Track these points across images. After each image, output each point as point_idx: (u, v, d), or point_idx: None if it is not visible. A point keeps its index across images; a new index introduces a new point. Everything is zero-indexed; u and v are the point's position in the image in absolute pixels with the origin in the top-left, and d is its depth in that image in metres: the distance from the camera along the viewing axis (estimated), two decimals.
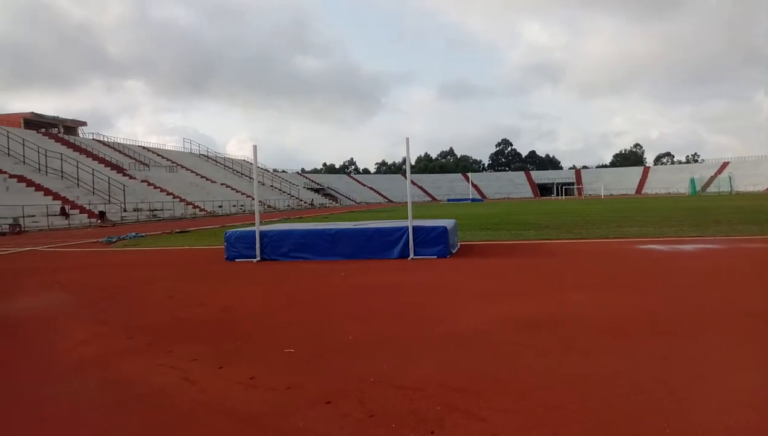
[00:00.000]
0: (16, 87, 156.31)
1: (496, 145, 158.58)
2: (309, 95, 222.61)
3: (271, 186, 77.61)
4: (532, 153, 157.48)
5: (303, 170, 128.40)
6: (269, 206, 62.68)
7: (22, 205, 32.27)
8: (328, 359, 4.66)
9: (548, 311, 6.21)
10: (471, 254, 11.97)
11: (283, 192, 78.22)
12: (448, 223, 11.96)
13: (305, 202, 77.52)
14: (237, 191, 64.94)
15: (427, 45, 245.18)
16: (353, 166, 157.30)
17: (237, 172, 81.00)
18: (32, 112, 63.29)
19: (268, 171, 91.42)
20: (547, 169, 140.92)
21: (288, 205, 68.97)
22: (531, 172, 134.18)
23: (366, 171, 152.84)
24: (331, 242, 11.61)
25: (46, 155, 44.53)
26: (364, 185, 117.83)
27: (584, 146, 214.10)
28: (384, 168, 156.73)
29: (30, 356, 5.14)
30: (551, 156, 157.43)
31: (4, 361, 5.01)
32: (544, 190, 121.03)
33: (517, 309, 6.38)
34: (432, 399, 3.61)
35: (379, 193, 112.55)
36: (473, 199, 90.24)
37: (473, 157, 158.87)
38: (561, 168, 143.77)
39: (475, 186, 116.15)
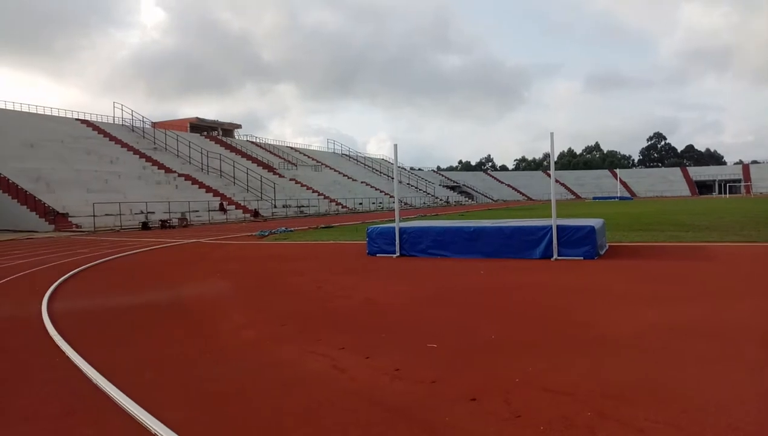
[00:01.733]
0: (185, 94, 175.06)
1: (648, 140, 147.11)
2: (448, 92, 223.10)
3: (408, 184, 78.96)
4: (690, 147, 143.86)
5: (439, 168, 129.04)
6: (406, 204, 63.85)
7: (188, 201, 36.05)
8: (471, 357, 4.63)
9: (708, 319, 5.65)
10: (621, 255, 11.23)
11: (420, 190, 79.24)
12: (595, 222, 11.33)
13: (441, 200, 77.83)
14: (376, 189, 67.00)
15: (573, 36, 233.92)
16: (490, 163, 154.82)
17: (376, 170, 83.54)
18: (196, 117, 70.29)
19: (405, 169, 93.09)
20: (708, 164, 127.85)
21: (424, 203, 69.74)
22: (688, 168, 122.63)
23: (504, 168, 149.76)
24: (469, 240, 11.53)
25: (207, 156, 49.27)
26: (502, 182, 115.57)
27: (756, 139, 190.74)
28: (523, 164, 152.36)
29: (200, 337, 5.71)
30: (712, 150, 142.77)
31: (180, 340, 5.63)
32: (703, 187, 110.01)
33: (673, 315, 5.87)
34: (582, 405, 3.44)
35: (518, 191, 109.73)
36: (621, 198, 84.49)
37: (621, 153, 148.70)
38: (724, 163, 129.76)
39: (623, 183, 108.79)
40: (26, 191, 30.24)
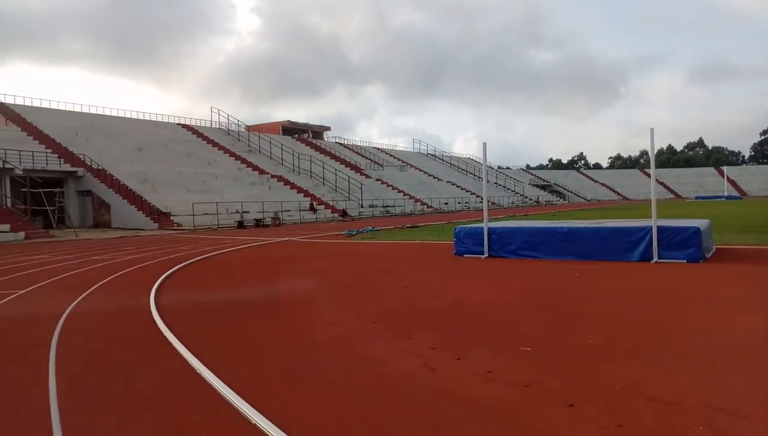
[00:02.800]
0: (278, 98, 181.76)
1: (761, 134, 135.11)
2: (539, 89, 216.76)
3: (495, 183, 77.62)
4: None
5: (528, 167, 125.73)
6: (493, 203, 62.77)
7: (280, 201, 37.41)
8: (567, 361, 4.47)
9: None
10: (730, 259, 10.43)
11: (508, 189, 77.64)
12: (701, 223, 10.59)
13: (530, 200, 75.84)
14: (461, 188, 66.40)
15: (676, 25, 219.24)
16: (583, 161, 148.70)
17: (462, 170, 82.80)
18: (288, 120, 72.80)
19: (493, 168, 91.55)
20: None
21: (512, 203, 68.25)
22: None
23: (597, 166, 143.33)
24: (562, 241, 11.14)
25: (298, 158, 50.91)
26: (595, 181, 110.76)
27: None
28: (618, 162, 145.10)
29: (295, 332, 5.90)
30: None
31: (277, 335, 5.84)
32: None
33: None
34: (692, 417, 3.22)
35: (612, 190, 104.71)
36: (729, 197, 78.17)
37: (729, 149, 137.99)
38: None
39: (731, 181, 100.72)
40: (134, 192, 32.60)
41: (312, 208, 39.80)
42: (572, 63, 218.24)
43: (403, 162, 72.30)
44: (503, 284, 8.89)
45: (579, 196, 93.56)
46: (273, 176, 45.66)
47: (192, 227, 29.97)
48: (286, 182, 45.09)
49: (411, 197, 52.99)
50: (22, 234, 24.21)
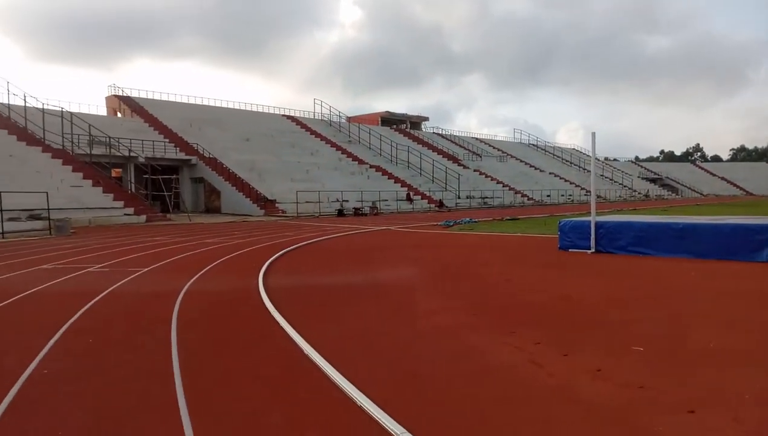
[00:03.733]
0: (378, 89, 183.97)
1: None
2: (652, 77, 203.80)
3: (602, 175, 73.94)
4: None
5: (637, 158, 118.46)
6: (599, 197, 59.86)
7: (378, 190, 37.94)
8: (685, 364, 4.17)
9: None
10: None
11: (615, 182, 73.78)
12: None
13: (639, 193, 71.58)
14: (565, 180, 63.93)
15: None
16: (699, 154, 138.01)
17: (566, 161, 79.67)
18: (387, 111, 73.49)
19: (599, 159, 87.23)
20: None
21: (619, 196, 64.75)
22: None
23: (716, 158, 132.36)
24: (677, 238, 10.40)
25: (396, 148, 51.30)
26: (713, 175, 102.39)
27: None
28: (742, 154, 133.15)
29: (397, 319, 5.96)
30: None
31: (380, 320, 5.93)
32: None
33: None
34: None
35: (734, 184, 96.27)
36: None
37: None
38: None
39: None
40: (242, 180, 34.36)
41: (409, 199, 40.02)
42: (691, 47, 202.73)
43: (502, 152, 70.74)
44: (612, 280, 8.45)
45: (694, 190, 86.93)
46: (371, 166, 46.36)
47: (295, 214, 31.14)
48: (384, 172, 45.62)
49: (510, 189, 51.80)
50: (143, 217, 26.31)
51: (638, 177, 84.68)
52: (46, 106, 31.68)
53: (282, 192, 33.83)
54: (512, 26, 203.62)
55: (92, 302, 6.82)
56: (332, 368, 4.05)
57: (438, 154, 57.70)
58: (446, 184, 46.60)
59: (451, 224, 21.89)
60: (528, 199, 50.62)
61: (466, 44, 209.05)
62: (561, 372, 4.01)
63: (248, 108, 56.01)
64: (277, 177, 37.05)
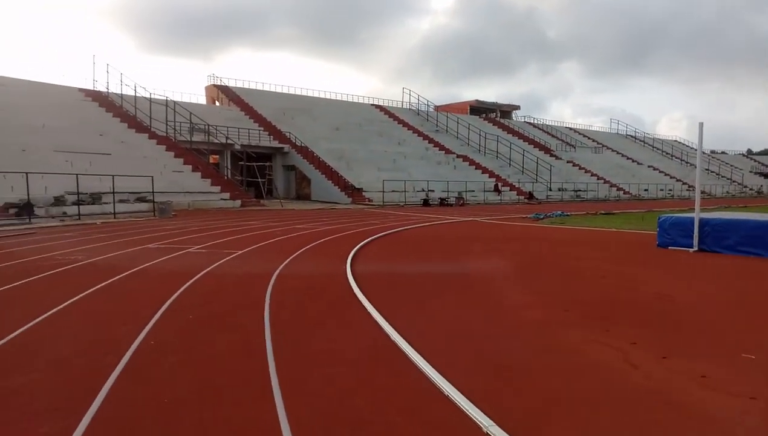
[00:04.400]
0: (468, 77, 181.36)
1: None
2: None
3: (708, 170, 69.02)
4: None
5: (749, 152, 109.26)
6: (704, 192, 55.97)
7: (465, 181, 37.52)
8: None
9: None
10: None
11: (722, 176, 68.58)
12: None
13: (751, 189, 66.07)
14: (664, 174, 60.24)
15: None
16: None
17: (666, 153, 74.96)
18: (476, 100, 72.32)
19: (705, 152, 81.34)
20: None
21: (727, 192, 60.12)
22: None
23: None
24: None
25: (485, 138, 50.42)
26: None
27: None
28: None
29: (485, 311, 5.87)
30: None
31: (467, 311, 5.87)
32: None
33: None
34: None
35: None
36: None
37: None
38: None
39: None
40: (332, 168, 35.14)
41: (497, 190, 39.27)
42: None
43: (598, 143, 67.67)
44: (718, 281, 7.88)
45: None
46: (459, 156, 45.91)
47: (381, 202, 31.46)
48: (472, 162, 45.03)
49: (605, 182, 49.54)
50: (238, 202, 27.58)
51: (750, 172, 78.14)
52: (153, 96, 33.94)
53: (369, 181, 34.27)
54: (613, 9, 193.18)
55: (192, 280, 7.23)
56: (418, 355, 4.06)
57: (529, 144, 56.15)
58: (537, 175, 45.29)
59: (542, 216, 21.26)
60: (624, 193, 48.21)
61: (561, 30, 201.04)
62: (659, 375, 3.78)
63: (339, 97, 57.07)
64: (364, 166, 37.56)
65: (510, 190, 40.41)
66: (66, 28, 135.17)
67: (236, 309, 5.82)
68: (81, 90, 36.01)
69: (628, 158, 64.06)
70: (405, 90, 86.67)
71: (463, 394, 3.31)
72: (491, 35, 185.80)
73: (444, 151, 46.84)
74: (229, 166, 34.95)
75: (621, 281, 7.66)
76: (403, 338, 4.52)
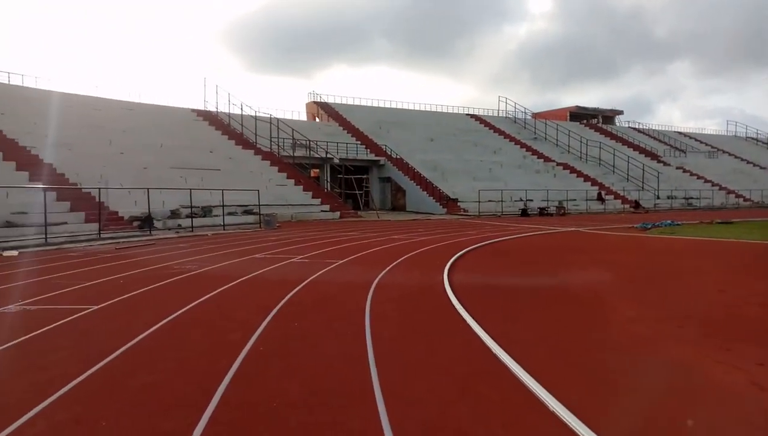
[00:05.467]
0: (567, 82, 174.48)
1: None
2: None
3: None
4: None
5: None
6: None
7: (566, 189, 36.22)
8: None
9: None
10: None
11: None
12: None
13: None
14: None
15: None
16: None
17: None
18: (576, 106, 69.70)
19: None
20: None
21: None
22: None
23: None
24: None
25: (586, 144, 48.45)
26: None
27: None
28: None
29: (590, 324, 5.64)
30: None
31: (571, 324, 5.67)
32: None
33: None
34: None
35: None
36: None
37: None
38: None
39: None
40: (426, 179, 35.22)
41: (600, 198, 37.56)
42: None
43: (712, 147, 62.87)
44: None
45: None
46: (558, 164, 44.43)
47: (477, 213, 31.10)
48: (572, 170, 43.40)
49: (721, 188, 45.87)
50: (337, 213, 28.35)
51: None
52: (258, 114, 35.84)
53: (464, 191, 34.02)
54: (729, 4, 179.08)
55: (296, 289, 7.53)
56: (520, 368, 3.98)
57: (634, 150, 53.25)
58: (643, 182, 42.81)
59: (649, 226, 20.06)
60: (744, 200, 44.35)
61: (671, 27, 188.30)
62: None
63: (433, 108, 57.25)
64: (459, 176, 37.34)
65: (614, 198, 38.49)
66: (183, 53, 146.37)
67: (338, 317, 5.98)
68: (194, 110, 38.71)
69: (748, 162, 58.91)
70: (501, 98, 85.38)
71: (568, 409, 3.20)
72: (592, 38, 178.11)
73: (543, 160, 45.54)
74: (329, 179, 36.10)
75: (743, 294, 7.06)
76: (504, 350, 4.45)
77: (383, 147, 39.59)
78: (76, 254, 12.34)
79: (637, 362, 4.33)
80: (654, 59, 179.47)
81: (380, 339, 4.94)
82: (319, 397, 3.59)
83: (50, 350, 4.67)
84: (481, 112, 58.25)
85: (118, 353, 4.53)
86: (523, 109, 59.69)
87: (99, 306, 6.44)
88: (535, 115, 61.15)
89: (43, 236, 14.61)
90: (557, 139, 51.32)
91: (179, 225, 20.37)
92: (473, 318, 5.60)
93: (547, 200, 33.89)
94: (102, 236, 16.34)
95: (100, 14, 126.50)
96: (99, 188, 18.50)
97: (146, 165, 24.76)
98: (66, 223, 16.98)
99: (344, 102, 51.32)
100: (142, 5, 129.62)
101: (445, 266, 9.59)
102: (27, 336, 5.10)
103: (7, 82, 32.78)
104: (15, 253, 12.32)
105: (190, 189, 21.24)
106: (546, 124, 54.54)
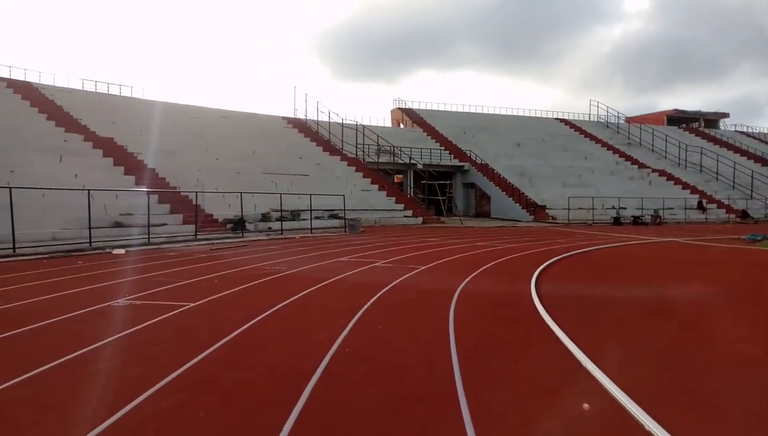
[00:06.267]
0: (665, 85, 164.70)
1: None
2: None
3: None
4: None
5: None
6: None
7: (662, 197, 34.22)
8: None
9: None
10: None
11: None
12: None
13: None
14: None
15: None
16: None
17: None
18: (674, 109, 65.77)
19: None
20: None
21: None
22: None
23: None
24: None
25: (685, 149, 45.59)
26: None
27: None
28: None
29: (691, 342, 5.30)
30: None
31: (669, 341, 5.35)
32: None
33: None
34: None
35: None
36: None
37: None
38: None
39: None
40: (512, 185, 34.52)
41: (701, 207, 35.20)
42: None
43: None
44: None
45: None
46: (654, 170, 42.09)
47: (566, 220, 30.08)
48: (670, 177, 40.97)
49: None
50: (420, 219, 28.38)
51: None
52: (344, 121, 36.65)
53: (552, 198, 33.02)
54: None
55: (380, 293, 7.60)
56: (615, 385, 3.79)
57: (741, 155, 49.48)
58: (752, 190, 39.68)
59: (759, 238, 18.54)
60: None
61: None
62: None
63: (520, 113, 56.11)
64: (547, 182, 36.29)
65: (717, 207, 35.94)
66: (275, 63, 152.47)
67: (421, 323, 5.97)
68: (284, 118, 40.16)
69: None
70: (592, 102, 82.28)
71: (667, 431, 3.01)
72: (695, 37, 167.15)
73: (637, 166, 43.32)
74: (412, 185, 36.25)
75: None
76: (597, 365, 4.25)
77: (468, 152, 39.24)
78: (175, 253, 13.13)
79: (743, 384, 4.00)
80: (766, 57, 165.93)
81: (464, 347, 4.88)
82: (404, 402, 3.60)
83: (153, 342, 4.99)
84: (571, 117, 56.37)
85: (212, 348, 4.76)
86: (615, 113, 57.21)
87: (195, 303, 6.80)
88: (629, 120, 58.30)
89: (146, 236, 15.66)
90: (653, 145, 48.67)
91: (269, 228, 21.17)
92: (562, 330, 5.40)
93: (642, 209, 32.19)
94: (198, 237, 17.28)
95: (200, 28, 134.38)
96: (196, 192, 19.64)
97: (239, 170, 25.95)
98: (166, 224, 18.12)
99: (429, 108, 51.38)
100: (239, 19, 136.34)
101: (533, 275, 9.34)
102: (134, 328, 5.48)
103: (118, 94, 35.54)
104: (122, 251, 13.29)
105: (280, 193, 22.03)
106: (641, 128, 51.85)
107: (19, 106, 26.38)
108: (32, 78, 31.87)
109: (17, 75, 31.32)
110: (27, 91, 28.81)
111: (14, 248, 12.21)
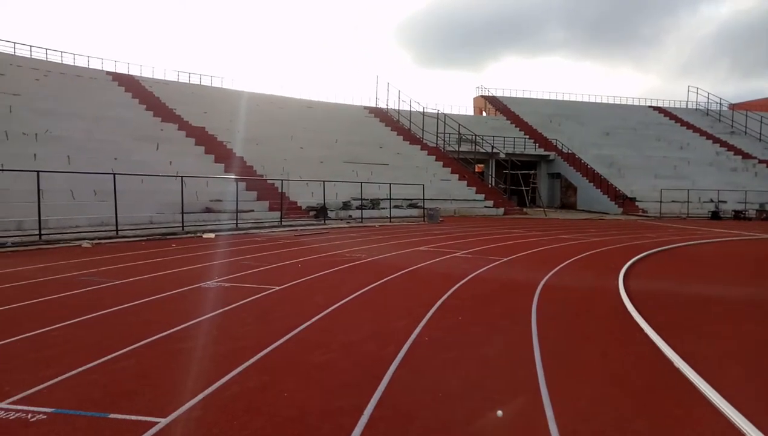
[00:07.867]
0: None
1: None
2: None
3: None
4: None
5: None
6: None
7: None
8: None
9: None
10: None
11: None
12: None
13: None
14: None
15: None
16: None
17: None
18: None
19: None
20: None
21: None
22: None
23: None
24: None
25: None
26: None
27: None
28: None
29: None
30: None
31: (758, 341, 4.96)
32: None
33: None
34: None
35: None
36: None
37: None
38: None
39: None
40: (600, 176, 33.08)
41: None
42: None
43: None
44: None
45: None
46: (761, 161, 38.93)
47: (658, 214, 28.52)
48: None
49: None
50: (501, 210, 27.85)
51: None
52: (426, 110, 36.50)
53: (643, 190, 31.40)
54: None
55: (459, 283, 7.54)
56: (709, 386, 3.57)
57: None
58: None
59: None
60: None
61: None
62: None
63: (610, 100, 53.50)
64: (638, 173, 34.51)
65: None
66: (359, 51, 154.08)
67: (502, 315, 5.88)
68: (366, 108, 40.57)
69: None
70: (691, 88, 76.91)
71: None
72: None
73: (741, 156, 40.24)
74: (493, 175, 35.60)
75: None
76: (689, 365, 4.02)
77: (553, 141, 37.98)
78: (261, 238, 13.65)
79: None
80: None
81: (547, 341, 4.75)
82: (483, 392, 3.56)
83: (241, 324, 5.22)
84: (665, 104, 53.17)
85: (296, 331, 4.92)
86: (717, 100, 53.30)
87: (280, 287, 7.05)
88: (733, 106, 54.18)
89: (234, 222, 16.38)
90: (760, 133, 44.97)
91: (350, 215, 21.54)
92: (651, 327, 5.14)
93: (745, 202, 29.93)
94: (282, 223, 17.88)
95: (289, 20, 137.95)
96: (281, 180, 20.30)
97: (322, 159, 26.53)
98: (253, 210, 18.86)
99: (513, 95, 50.12)
100: (325, 9, 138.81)
101: (621, 270, 8.94)
102: (223, 309, 5.76)
103: (209, 85, 37.23)
104: (212, 235, 13.97)
105: (361, 182, 22.34)
106: (747, 115, 48.04)
107: (122, 97, 28.23)
108: (134, 71, 33.97)
109: (121, 69, 33.52)
110: (129, 83, 30.78)
111: (117, 230, 13.14)
